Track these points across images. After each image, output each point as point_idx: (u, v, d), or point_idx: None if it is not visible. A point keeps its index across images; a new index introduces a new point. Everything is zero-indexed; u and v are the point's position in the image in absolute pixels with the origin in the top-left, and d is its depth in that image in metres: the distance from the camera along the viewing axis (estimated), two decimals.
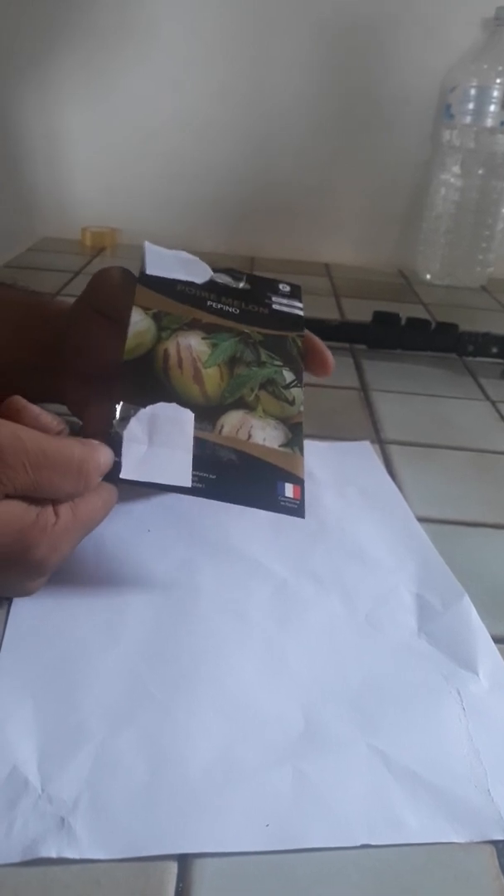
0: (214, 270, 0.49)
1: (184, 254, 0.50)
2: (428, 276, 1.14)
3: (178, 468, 0.37)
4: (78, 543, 0.36)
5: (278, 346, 0.45)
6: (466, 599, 0.40)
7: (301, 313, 0.49)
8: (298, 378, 0.44)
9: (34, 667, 0.33)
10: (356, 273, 1.15)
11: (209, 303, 0.46)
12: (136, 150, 1.14)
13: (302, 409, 0.43)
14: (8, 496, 0.32)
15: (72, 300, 0.48)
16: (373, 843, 0.27)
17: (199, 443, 0.39)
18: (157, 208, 1.17)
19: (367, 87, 1.11)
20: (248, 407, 0.42)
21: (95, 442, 0.35)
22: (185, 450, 0.38)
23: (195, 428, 0.39)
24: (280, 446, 0.41)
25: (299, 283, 0.52)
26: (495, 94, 1.01)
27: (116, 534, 0.42)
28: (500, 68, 1.01)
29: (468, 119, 1.04)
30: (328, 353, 0.46)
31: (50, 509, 0.33)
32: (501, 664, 0.36)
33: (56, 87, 1.11)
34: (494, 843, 0.28)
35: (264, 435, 0.41)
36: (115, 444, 0.37)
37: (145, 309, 0.44)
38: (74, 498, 0.34)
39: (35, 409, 0.35)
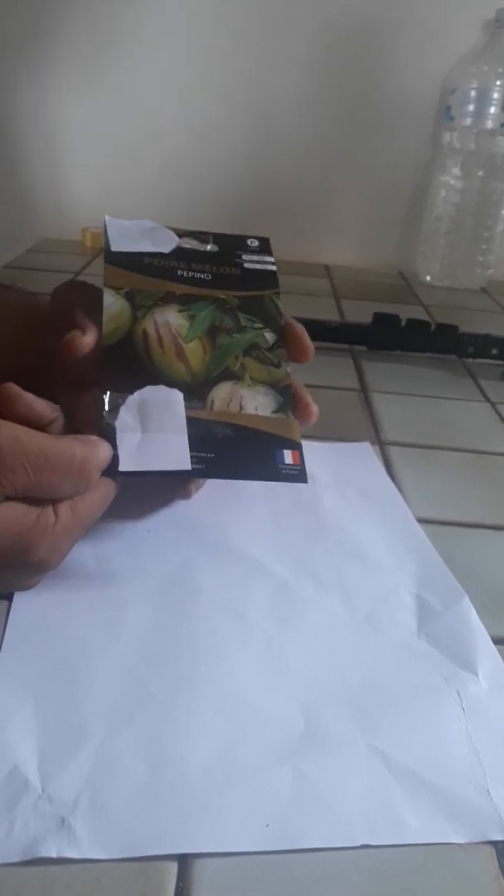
0: (179, 235, 0.48)
1: (147, 222, 0.49)
2: (428, 278, 1.14)
3: (176, 452, 0.37)
4: (78, 541, 0.36)
5: (256, 307, 0.45)
6: (466, 600, 0.40)
7: (274, 268, 0.48)
8: (280, 338, 0.44)
9: (34, 666, 0.33)
10: (356, 274, 1.15)
11: (180, 272, 0.46)
12: (136, 150, 1.14)
13: (289, 370, 0.43)
14: (8, 498, 0.32)
15: None
16: (373, 843, 0.27)
17: (192, 422, 0.38)
18: (157, 209, 1.16)
19: (367, 89, 1.12)
20: (235, 377, 0.41)
21: (94, 438, 0.35)
22: (179, 432, 0.38)
23: (186, 407, 0.39)
24: (273, 413, 0.41)
25: (267, 236, 0.51)
26: (495, 95, 1.01)
27: (116, 533, 0.42)
28: (501, 70, 1.01)
29: (468, 121, 1.04)
30: (308, 340, 0.45)
31: (50, 509, 0.33)
32: (501, 665, 0.36)
33: (56, 88, 1.11)
34: (494, 843, 0.28)
35: (255, 403, 0.41)
36: (109, 437, 0.36)
37: (116, 289, 0.43)
38: (74, 497, 0.34)
39: (29, 397, 0.35)
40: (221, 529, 0.44)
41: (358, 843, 0.27)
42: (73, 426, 0.37)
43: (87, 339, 0.40)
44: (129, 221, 0.49)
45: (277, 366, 0.43)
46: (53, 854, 0.25)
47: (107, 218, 0.48)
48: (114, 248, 0.46)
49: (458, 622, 0.38)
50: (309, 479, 0.50)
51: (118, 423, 0.37)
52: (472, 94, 1.02)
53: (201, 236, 0.49)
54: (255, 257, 0.49)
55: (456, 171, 1.08)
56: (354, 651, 0.36)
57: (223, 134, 1.14)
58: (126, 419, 0.38)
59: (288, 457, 0.39)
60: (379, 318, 0.79)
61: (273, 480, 0.38)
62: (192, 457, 0.37)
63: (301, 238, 1.19)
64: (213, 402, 0.40)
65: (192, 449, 0.37)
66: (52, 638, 0.35)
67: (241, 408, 0.40)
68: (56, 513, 0.33)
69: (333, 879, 0.26)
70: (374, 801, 0.28)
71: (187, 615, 0.37)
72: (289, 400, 0.42)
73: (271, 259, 0.49)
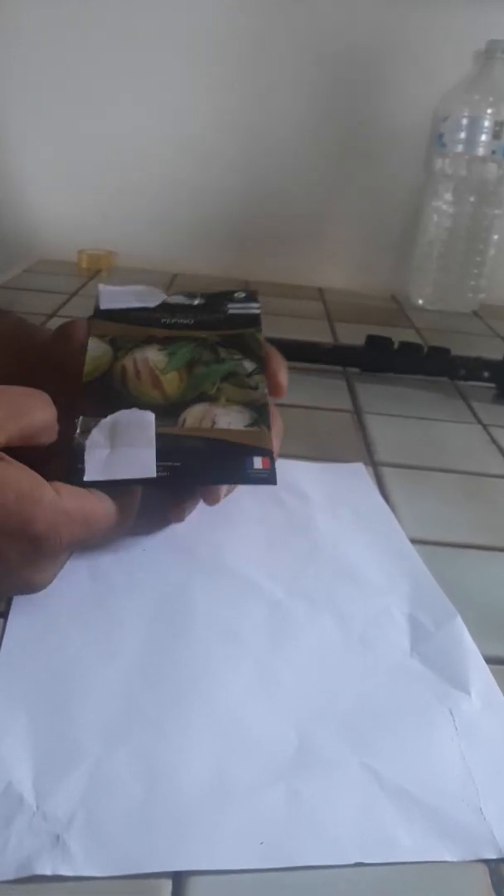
0: (168, 295, 0.50)
1: (138, 287, 0.50)
2: (420, 301, 1.15)
3: (142, 462, 0.37)
4: (77, 543, 0.36)
5: (236, 341, 0.45)
6: (459, 620, 0.40)
7: (258, 312, 0.49)
8: (260, 366, 0.44)
9: (29, 684, 0.33)
10: (349, 297, 1.16)
11: (164, 320, 0.47)
12: (132, 174, 1.16)
13: (265, 392, 0.43)
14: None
15: (64, 322, 0.48)
16: (366, 861, 0.27)
17: (161, 437, 0.39)
18: (153, 231, 1.18)
19: (361, 116, 1.13)
20: (211, 399, 0.41)
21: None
22: (147, 446, 0.38)
23: (157, 425, 0.39)
24: (246, 426, 0.40)
25: (255, 289, 0.52)
26: (486, 123, 1.03)
27: (111, 552, 0.42)
28: (492, 99, 1.03)
29: (460, 148, 1.05)
30: (283, 377, 0.45)
31: (49, 485, 0.34)
32: (493, 684, 0.36)
33: (54, 110, 1.12)
34: (486, 861, 0.28)
35: (229, 419, 0.40)
36: (78, 453, 0.37)
37: (100, 337, 0.44)
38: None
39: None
40: (216, 549, 0.44)
41: (351, 861, 0.27)
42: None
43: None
44: (121, 287, 0.50)
45: (255, 388, 0.43)
46: (48, 871, 0.25)
47: (100, 286, 0.50)
48: (102, 307, 0.47)
49: (450, 642, 0.39)
50: (302, 499, 0.51)
51: (88, 442, 0.38)
52: (464, 121, 1.04)
53: (190, 294, 0.50)
54: (240, 305, 0.49)
55: (448, 196, 1.09)
56: (347, 670, 0.36)
57: (219, 159, 1.15)
58: (96, 438, 0.38)
59: (258, 462, 0.39)
60: (372, 340, 0.80)
61: (241, 483, 0.38)
62: (158, 466, 0.37)
63: (295, 261, 1.21)
64: (185, 420, 0.40)
65: (159, 459, 0.37)
66: (47, 655, 0.35)
67: (214, 423, 0.40)
68: (56, 490, 0.34)
69: None
70: (368, 820, 0.29)
71: (181, 634, 0.37)
72: (264, 415, 0.41)
73: (256, 305, 0.50)
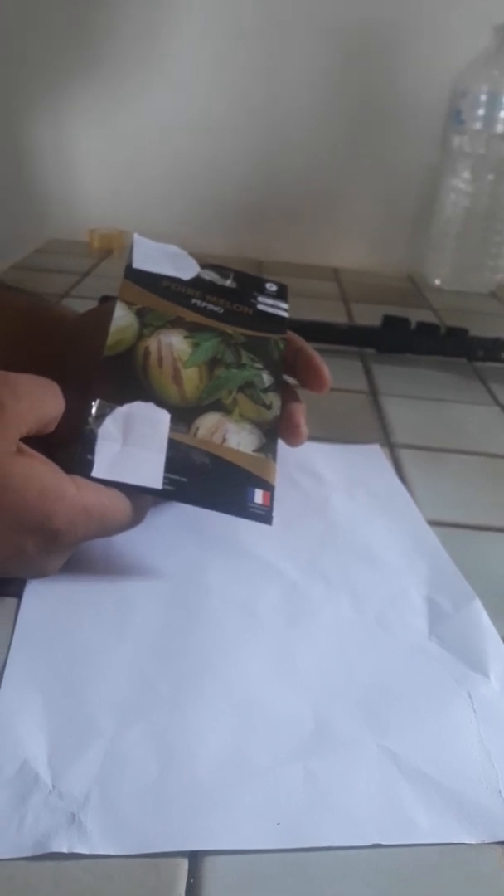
0: (202, 266, 0.49)
1: (172, 247, 0.50)
2: (437, 282, 1.14)
3: (150, 469, 0.37)
4: (90, 538, 0.36)
5: (260, 348, 0.45)
6: (477, 602, 0.40)
7: (286, 315, 0.49)
8: (277, 382, 0.44)
9: (44, 663, 0.33)
10: (365, 277, 1.15)
11: (194, 301, 0.46)
12: (144, 152, 1.15)
13: (278, 413, 0.43)
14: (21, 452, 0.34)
15: (77, 302, 0.48)
16: (384, 842, 0.27)
17: (172, 444, 0.39)
18: (165, 211, 1.17)
19: (377, 93, 1.12)
20: (225, 410, 0.41)
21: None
22: (158, 451, 0.38)
23: (171, 429, 0.39)
24: (254, 451, 0.41)
25: (286, 283, 0.51)
26: None
27: (125, 532, 0.42)
28: None
29: (479, 125, 1.04)
30: (324, 369, 0.46)
31: (70, 479, 0.34)
32: None
33: (65, 89, 1.11)
34: None
35: (239, 439, 0.41)
36: (89, 442, 0.37)
37: (129, 304, 0.44)
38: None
39: None
40: (231, 529, 0.44)
41: (369, 843, 0.27)
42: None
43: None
44: (156, 244, 0.49)
45: (268, 407, 0.43)
46: (64, 849, 0.25)
47: (136, 236, 0.49)
48: (135, 265, 0.46)
49: (469, 624, 0.38)
50: (318, 480, 0.51)
51: (101, 431, 0.37)
52: (483, 97, 1.02)
53: (223, 271, 0.49)
54: (270, 301, 0.49)
55: (466, 174, 1.08)
56: (364, 652, 0.36)
57: (232, 136, 1.14)
58: (109, 428, 0.38)
59: (258, 496, 0.39)
60: (389, 321, 0.79)
61: (238, 516, 0.38)
62: (165, 477, 0.37)
63: (310, 241, 1.19)
64: (197, 429, 0.40)
65: (167, 470, 0.38)
66: (61, 635, 0.35)
67: (224, 440, 0.40)
68: (76, 484, 0.34)
69: (344, 878, 0.26)
70: (386, 801, 0.28)
71: (196, 614, 0.37)
72: (272, 442, 0.42)
73: (285, 306, 0.49)
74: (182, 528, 0.43)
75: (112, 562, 0.40)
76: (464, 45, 1.05)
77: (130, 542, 0.41)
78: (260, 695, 0.33)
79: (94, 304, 0.52)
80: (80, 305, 0.53)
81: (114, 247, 1.14)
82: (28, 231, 1.16)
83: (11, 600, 0.37)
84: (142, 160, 1.15)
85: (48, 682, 0.32)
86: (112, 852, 0.25)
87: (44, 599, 0.37)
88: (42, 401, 0.36)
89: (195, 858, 0.26)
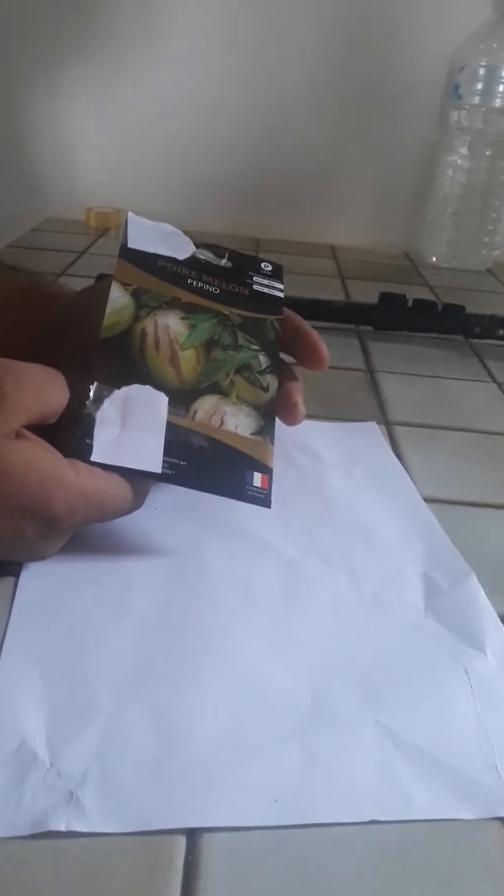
0: (197, 245, 0.48)
1: (167, 226, 0.49)
2: (434, 259, 1.13)
3: (149, 453, 0.37)
4: (89, 523, 0.36)
5: (256, 329, 0.45)
6: (474, 579, 0.40)
7: (281, 295, 0.48)
8: (274, 364, 0.44)
9: (42, 641, 0.33)
10: (362, 255, 1.14)
11: (190, 281, 0.46)
12: (141, 130, 1.13)
13: (275, 395, 0.43)
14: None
15: (74, 281, 0.47)
16: (381, 818, 0.27)
17: (171, 428, 0.38)
18: (162, 189, 1.16)
19: (374, 68, 1.10)
20: (223, 392, 0.41)
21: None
22: (156, 434, 0.38)
23: (168, 412, 0.39)
24: (252, 434, 0.41)
25: (282, 263, 0.51)
26: None
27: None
28: None
29: (476, 99, 1.03)
30: (323, 347, 0.45)
31: (69, 464, 0.34)
32: None
33: (62, 67, 1.10)
34: (502, 819, 0.28)
35: (237, 422, 0.40)
36: (87, 425, 0.37)
37: (125, 285, 0.43)
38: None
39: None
40: (229, 507, 0.44)
41: (366, 819, 0.27)
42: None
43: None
44: (151, 222, 0.49)
45: (265, 389, 0.43)
46: (62, 828, 0.25)
47: (130, 214, 0.48)
48: (130, 244, 0.46)
49: (465, 601, 0.38)
50: (315, 458, 0.51)
51: (99, 415, 0.37)
52: (481, 72, 1.01)
53: (218, 250, 0.49)
54: (266, 281, 0.49)
55: (463, 150, 1.07)
56: (362, 629, 0.36)
57: (229, 114, 1.13)
58: (108, 412, 0.38)
59: (257, 479, 0.39)
60: (386, 298, 0.79)
61: (237, 499, 0.38)
62: (164, 461, 0.37)
63: (306, 218, 1.19)
64: (195, 412, 0.40)
65: (165, 454, 0.37)
66: (59, 613, 0.35)
67: (222, 423, 0.40)
68: (76, 469, 0.34)
69: (341, 854, 0.26)
70: (382, 778, 0.28)
71: (194, 592, 0.37)
72: (270, 424, 0.41)
73: (281, 286, 0.49)
74: (180, 506, 0.43)
75: (110, 541, 0.40)
76: (461, 19, 1.03)
77: (129, 522, 0.41)
78: (258, 673, 0.33)
79: (91, 282, 0.52)
80: (78, 283, 0.52)
81: (111, 225, 1.13)
82: (25, 209, 1.15)
83: (9, 580, 0.36)
84: (139, 139, 1.14)
85: (46, 661, 0.32)
86: (110, 830, 0.25)
87: (42, 579, 0.37)
88: (46, 392, 0.36)
89: (193, 836, 0.26)
